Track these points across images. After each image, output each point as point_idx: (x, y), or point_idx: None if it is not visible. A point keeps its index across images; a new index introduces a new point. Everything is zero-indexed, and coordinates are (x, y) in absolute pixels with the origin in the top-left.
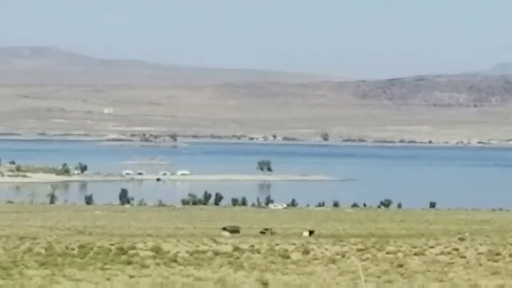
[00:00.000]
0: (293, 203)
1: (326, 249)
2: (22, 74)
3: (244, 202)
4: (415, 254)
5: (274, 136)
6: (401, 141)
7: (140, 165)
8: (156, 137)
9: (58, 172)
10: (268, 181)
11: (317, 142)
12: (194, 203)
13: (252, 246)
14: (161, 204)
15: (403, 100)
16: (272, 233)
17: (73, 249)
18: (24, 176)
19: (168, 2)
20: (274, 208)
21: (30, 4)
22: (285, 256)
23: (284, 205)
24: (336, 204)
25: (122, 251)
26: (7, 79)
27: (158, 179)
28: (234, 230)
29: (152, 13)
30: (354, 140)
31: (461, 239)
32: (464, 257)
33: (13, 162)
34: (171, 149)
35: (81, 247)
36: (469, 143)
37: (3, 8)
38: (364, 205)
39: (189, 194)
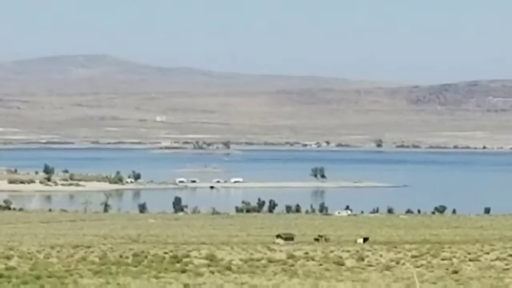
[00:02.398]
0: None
1: (381, 256)
2: (76, 82)
3: (298, 209)
4: (470, 260)
5: (328, 143)
6: (455, 147)
7: (194, 172)
8: (209, 144)
9: (111, 181)
10: (322, 188)
11: (370, 149)
12: (248, 211)
13: (306, 253)
14: (214, 212)
15: (456, 106)
16: (326, 240)
17: (127, 257)
18: (78, 184)
19: (222, 11)
20: (339, 215)
21: (84, 13)
22: (340, 263)
23: (349, 212)
24: (390, 211)
25: (176, 259)
26: (62, 88)
27: (212, 187)
28: (288, 237)
29: (206, 21)
30: (407, 146)
31: None
32: None
33: (66, 171)
34: (224, 157)
35: (135, 255)
36: None
37: (58, 16)
38: (419, 211)
39: (243, 202)
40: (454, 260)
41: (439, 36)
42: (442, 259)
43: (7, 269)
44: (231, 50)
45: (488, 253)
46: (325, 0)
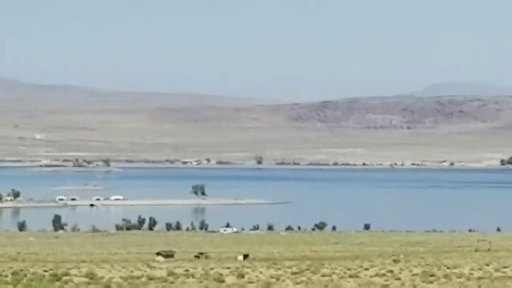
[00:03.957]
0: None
1: (261, 273)
2: None
3: (178, 227)
4: (350, 276)
5: (208, 160)
6: (334, 164)
7: (74, 190)
8: (89, 162)
9: None
10: (203, 205)
11: (251, 166)
12: (128, 228)
13: (187, 270)
14: (94, 230)
15: (336, 123)
16: (206, 257)
17: (6, 276)
18: None
19: (101, 26)
20: (225, 232)
21: None
22: (220, 280)
23: (235, 229)
24: (270, 227)
25: (56, 277)
26: None
27: (92, 205)
28: (169, 255)
29: (85, 38)
30: (288, 163)
31: (396, 261)
32: (399, 279)
33: None
34: (104, 174)
35: (14, 273)
36: (402, 164)
37: None
38: (299, 228)
39: (123, 219)
40: (334, 276)
41: (318, 54)
42: (322, 276)
43: None
44: (111, 67)
45: (367, 269)
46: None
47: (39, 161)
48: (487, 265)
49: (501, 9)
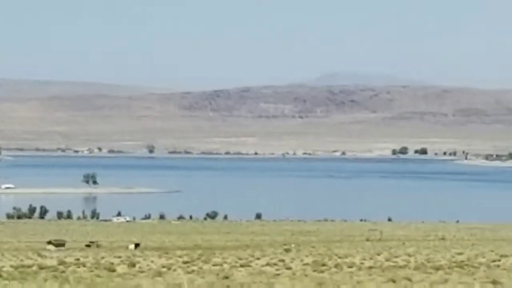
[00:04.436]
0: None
1: (152, 262)
2: None
3: (69, 215)
4: (241, 266)
5: (100, 149)
6: (226, 153)
7: None
8: None
9: None
10: (94, 194)
11: (142, 154)
12: (19, 217)
13: (78, 259)
14: None
15: (228, 112)
16: (98, 246)
17: None
18: None
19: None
20: (117, 221)
21: None
22: (111, 269)
23: (128, 218)
24: (162, 216)
25: None
26: None
27: None
28: (59, 244)
29: None
30: (179, 152)
31: (287, 250)
32: (290, 268)
33: None
34: None
35: None
36: (294, 154)
37: None
38: (190, 217)
39: (14, 208)
40: (225, 265)
41: (208, 42)
42: (214, 265)
43: None
44: (3, 55)
45: (259, 259)
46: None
47: None
48: (378, 254)
49: (396, 3)
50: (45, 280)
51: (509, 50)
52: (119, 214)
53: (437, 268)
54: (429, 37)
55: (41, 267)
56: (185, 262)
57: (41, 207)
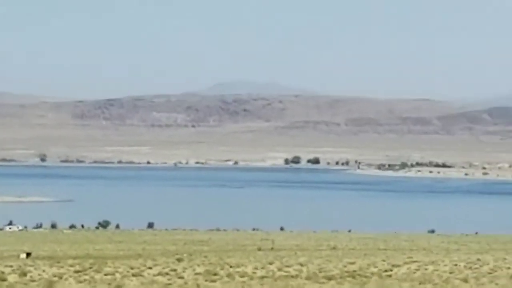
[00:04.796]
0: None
1: (44, 271)
2: None
3: None
4: (133, 275)
5: None
6: (119, 162)
7: None
8: None
9: None
10: None
11: (34, 163)
12: None
13: None
14: None
15: (121, 121)
16: None
17: None
18: None
19: None
20: (10, 230)
21: None
22: (2, 278)
23: (20, 227)
24: (54, 226)
25: None
26: None
27: None
28: None
29: None
30: (72, 161)
31: (179, 260)
32: (182, 277)
33: None
34: None
35: None
36: (187, 163)
37: None
38: (82, 226)
39: None
40: (117, 275)
41: (102, 51)
42: (105, 274)
43: None
44: None
45: (151, 268)
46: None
47: None
48: (270, 264)
49: (286, 13)
50: None
51: (401, 59)
52: (11, 223)
53: (329, 278)
54: (321, 47)
55: None
56: (76, 272)
57: None
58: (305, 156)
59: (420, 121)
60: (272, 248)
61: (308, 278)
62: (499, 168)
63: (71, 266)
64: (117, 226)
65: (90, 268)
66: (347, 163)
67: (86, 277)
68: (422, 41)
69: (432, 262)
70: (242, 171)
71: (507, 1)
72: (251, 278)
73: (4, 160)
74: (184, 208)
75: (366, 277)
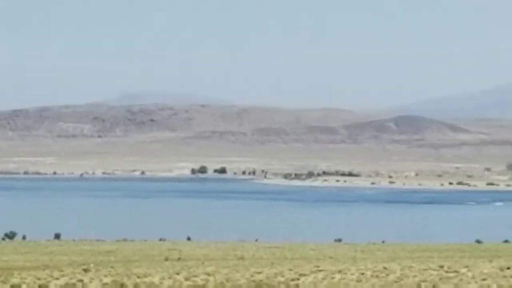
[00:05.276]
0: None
1: None
2: None
3: None
4: (40, 286)
5: None
6: (25, 173)
7: None
8: None
9: None
10: None
11: None
12: None
13: None
14: None
15: (27, 131)
16: None
17: None
18: None
19: None
20: None
21: None
22: None
23: None
24: None
25: None
26: None
27: None
28: None
29: None
30: None
31: (86, 270)
32: None
33: None
34: None
35: None
36: (93, 173)
37: None
38: None
39: None
40: (24, 286)
41: (7, 61)
42: (12, 285)
43: None
44: None
45: (57, 279)
46: None
47: None
48: (177, 274)
49: (190, 23)
50: None
51: (307, 69)
52: None
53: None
54: (228, 57)
55: None
56: None
57: None
58: (212, 166)
59: (327, 130)
60: (179, 258)
61: (215, 287)
62: (406, 176)
63: None
64: (24, 237)
65: None
66: (253, 172)
67: None
68: (328, 51)
69: (339, 271)
70: (149, 182)
71: (409, 13)
72: None
73: None
74: (91, 219)
75: (273, 286)
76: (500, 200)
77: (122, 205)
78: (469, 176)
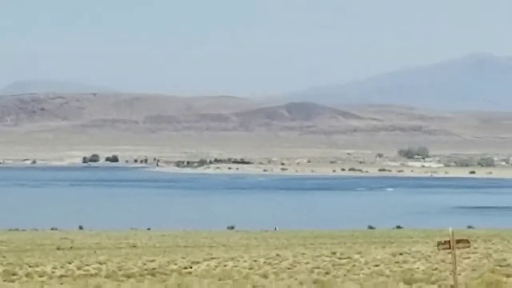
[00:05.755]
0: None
1: None
2: None
3: None
4: None
5: None
6: None
7: None
8: None
9: None
10: None
11: None
12: None
13: None
14: None
15: None
16: None
17: None
18: None
19: None
20: None
21: None
22: None
23: None
24: None
25: None
26: None
27: None
28: None
29: None
30: None
31: None
32: None
33: None
34: None
35: None
36: None
37: None
38: None
39: None
40: None
41: None
42: None
43: None
44: None
45: None
46: None
47: None
48: (70, 263)
49: (84, 10)
50: None
51: (199, 58)
52: None
53: (129, 276)
54: (119, 45)
55: None
56: None
57: None
58: (103, 154)
59: (219, 117)
60: (71, 247)
61: (107, 276)
62: (298, 163)
63: None
64: None
65: None
66: (145, 160)
67: None
68: (219, 39)
69: (232, 259)
70: (40, 170)
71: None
72: (50, 277)
73: None
74: None
75: (166, 274)
76: (391, 186)
77: (13, 194)
78: (361, 162)
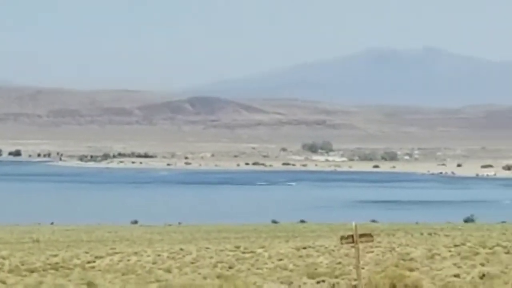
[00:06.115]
0: None
1: None
2: None
3: None
4: None
5: None
6: None
7: None
8: None
9: None
10: None
11: None
12: None
13: None
14: None
15: None
16: None
17: None
18: None
19: None
20: None
21: None
22: None
23: None
24: None
25: None
26: None
27: None
28: None
29: None
30: None
31: None
32: None
33: None
34: None
35: None
36: None
37: None
38: None
39: None
40: None
41: None
42: None
43: None
44: None
45: None
46: None
47: None
48: None
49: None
50: None
51: (104, 51)
52: None
53: (32, 271)
54: (22, 38)
55: None
56: None
57: None
58: (6, 148)
59: (122, 111)
60: None
61: (10, 271)
62: (202, 157)
63: None
64: None
65: None
66: (49, 155)
67: None
68: (123, 33)
69: (135, 253)
70: None
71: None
72: None
73: None
74: None
75: (69, 269)
76: (295, 180)
77: None
78: (265, 156)
